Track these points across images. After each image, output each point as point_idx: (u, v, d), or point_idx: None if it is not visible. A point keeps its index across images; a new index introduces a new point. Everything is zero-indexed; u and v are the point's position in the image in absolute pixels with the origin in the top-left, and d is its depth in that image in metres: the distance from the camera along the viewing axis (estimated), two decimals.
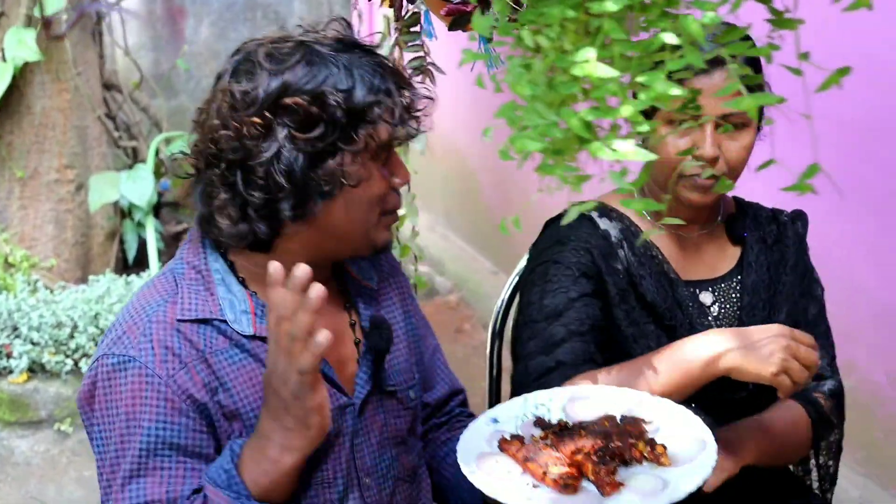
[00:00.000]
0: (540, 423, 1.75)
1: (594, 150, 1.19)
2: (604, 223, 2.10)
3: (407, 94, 1.67)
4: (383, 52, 2.60)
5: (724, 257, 2.17)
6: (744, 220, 2.19)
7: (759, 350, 1.82)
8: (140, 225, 4.62)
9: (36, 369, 3.98)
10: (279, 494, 1.58)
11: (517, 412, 1.78)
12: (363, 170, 1.62)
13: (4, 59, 3.82)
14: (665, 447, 1.64)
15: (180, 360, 1.60)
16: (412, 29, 2.50)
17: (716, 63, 1.92)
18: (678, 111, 1.22)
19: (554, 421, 1.75)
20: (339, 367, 1.75)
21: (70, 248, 4.41)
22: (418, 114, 1.70)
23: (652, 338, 2.06)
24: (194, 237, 1.72)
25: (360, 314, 1.81)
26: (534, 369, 2.02)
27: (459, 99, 5.72)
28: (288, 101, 1.56)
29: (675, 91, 1.14)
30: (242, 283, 1.69)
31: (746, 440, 2.02)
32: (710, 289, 2.13)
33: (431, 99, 1.74)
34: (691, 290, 2.11)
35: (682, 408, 1.76)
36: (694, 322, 2.07)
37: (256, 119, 1.56)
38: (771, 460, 2.08)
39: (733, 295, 2.14)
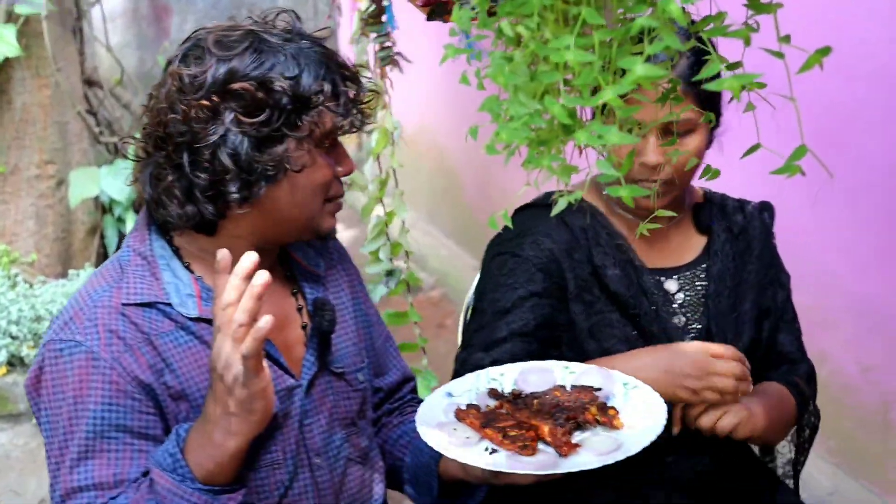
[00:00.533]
0: (494, 394, 1.82)
1: (579, 138, 1.23)
2: (569, 215, 2.12)
3: (352, 85, 1.71)
4: (360, 46, 2.65)
5: (690, 246, 2.20)
6: (710, 210, 2.22)
7: (674, 375, 1.93)
8: (120, 220, 4.63)
9: (15, 363, 3.99)
10: (224, 477, 1.61)
11: (470, 386, 1.84)
12: (307, 156, 1.67)
13: None
14: (617, 410, 1.73)
15: (125, 342, 1.64)
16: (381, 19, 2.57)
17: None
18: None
19: (507, 392, 1.82)
20: (287, 350, 1.79)
21: (51, 243, 4.43)
22: (363, 105, 1.75)
23: (617, 327, 2.09)
24: (141, 224, 1.76)
25: (306, 299, 1.86)
26: (471, 363, 2.07)
27: (441, 96, 5.76)
28: (235, 86, 1.60)
29: (658, 72, 1.18)
30: (188, 267, 1.73)
31: (763, 405, 2.06)
32: (675, 277, 2.16)
33: (377, 92, 1.81)
34: (657, 277, 2.14)
35: (631, 378, 1.84)
36: (659, 310, 2.10)
37: (204, 102, 1.61)
38: (771, 434, 2.11)
39: (698, 283, 2.17)
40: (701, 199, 2.25)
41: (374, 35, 2.73)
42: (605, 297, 2.10)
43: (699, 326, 2.14)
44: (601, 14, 1.19)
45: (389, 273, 3.10)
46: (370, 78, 1.85)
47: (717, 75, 1.30)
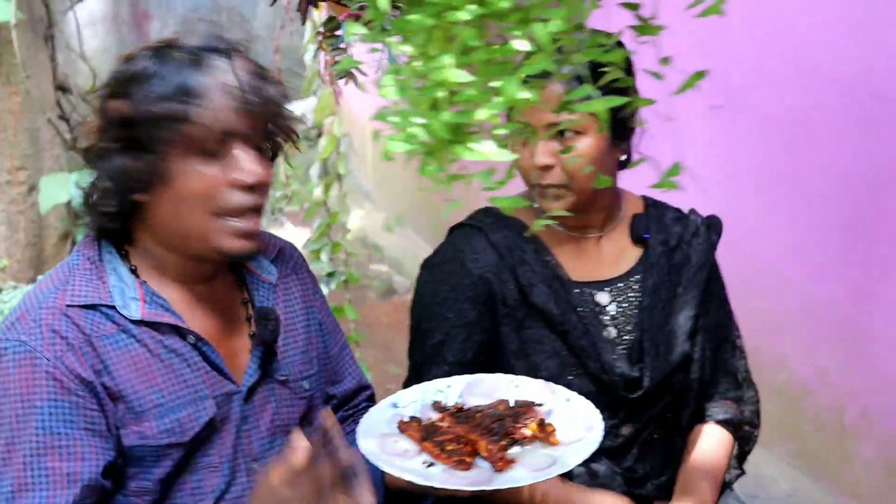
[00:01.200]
0: (437, 406, 1.84)
1: (458, 152, 1.26)
2: (495, 234, 2.15)
3: (256, 94, 1.71)
4: (309, 55, 2.68)
5: (623, 258, 2.20)
6: (647, 221, 2.22)
7: None
8: None
9: None
10: None
11: (416, 398, 1.87)
12: (179, 166, 1.68)
13: None
14: (554, 427, 1.73)
15: (67, 342, 1.68)
16: (336, 33, 2.58)
17: (548, 74, 1.99)
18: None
19: (451, 405, 1.85)
20: (232, 357, 1.83)
21: (22, 249, 4.45)
22: (279, 117, 1.77)
23: (547, 343, 2.11)
24: (92, 231, 1.81)
25: (255, 307, 1.89)
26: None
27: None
28: (112, 101, 1.70)
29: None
30: (133, 271, 1.77)
31: (704, 487, 2.13)
32: (607, 289, 2.16)
33: (278, 104, 1.78)
34: (587, 290, 2.15)
35: (574, 394, 1.85)
36: (588, 324, 2.11)
37: (95, 120, 1.73)
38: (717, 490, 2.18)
39: (632, 295, 2.17)
40: (641, 210, 2.26)
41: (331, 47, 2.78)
42: (534, 314, 2.11)
43: (631, 339, 2.15)
44: (480, 35, 1.22)
45: (330, 274, 3.20)
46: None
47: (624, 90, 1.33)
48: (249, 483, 1.82)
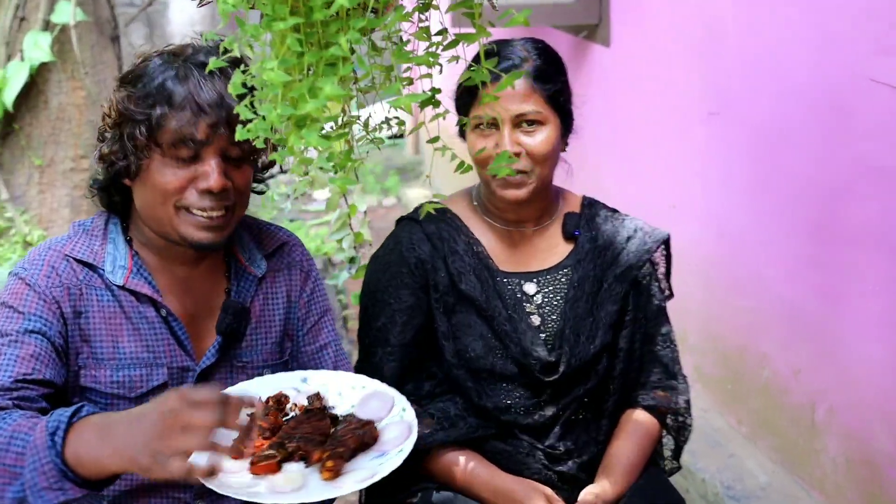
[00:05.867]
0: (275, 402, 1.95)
1: (291, 139, 1.50)
2: (429, 225, 2.36)
3: (213, 109, 1.93)
4: None
5: (554, 252, 2.39)
6: (578, 219, 2.40)
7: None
8: None
9: None
10: (86, 472, 1.69)
11: (277, 386, 2.00)
12: (149, 162, 1.97)
13: (22, 59, 4.23)
14: (334, 462, 1.77)
15: (60, 280, 2.00)
16: None
17: (505, 72, 2.20)
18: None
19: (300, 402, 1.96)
20: (200, 338, 2.10)
21: None
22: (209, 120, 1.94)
23: (474, 327, 2.32)
24: (100, 204, 2.13)
25: (233, 297, 2.14)
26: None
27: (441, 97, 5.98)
28: (115, 92, 2.01)
29: (340, 92, 1.44)
30: (129, 242, 2.09)
31: (619, 469, 2.30)
32: (534, 280, 2.36)
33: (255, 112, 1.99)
34: (515, 280, 2.35)
35: (408, 403, 1.94)
36: (512, 311, 2.31)
37: (105, 105, 2.04)
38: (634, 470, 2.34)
39: (559, 287, 2.35)
40: (576, 208, 2.43)
41: None
42: (463, 300, 2.32)
43: (554, 327, 2.33)
44: (304, 42, 1.46)
45: (351, 260, 3.45)
46: None
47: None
48: None
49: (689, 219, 3.87)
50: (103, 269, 2.04)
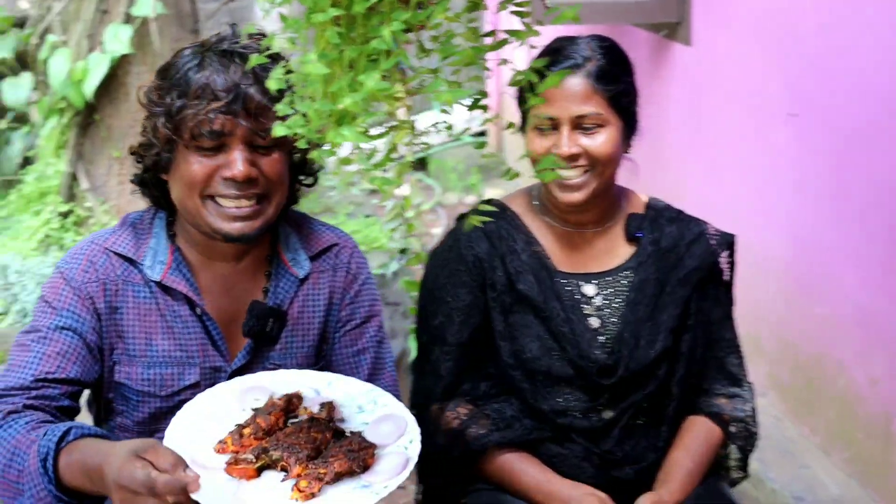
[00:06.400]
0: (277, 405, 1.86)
1: (331, 137, 1.48)
2: (489, 224, 2.30)
3: (232, 98, 1.90)
4: None
5: (616, 254, 2.32)
6: (641, 221, 2.33)
7: None
8: None
9: None
10: (77, 493, 1.74)
11: (296, 385, 1.92)
12: (178, 155, 1.96)
13: (104, 51, 4.31)
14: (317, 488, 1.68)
15: (97, 275, 2.00)
16: None
17: (570, 69, 2.15)
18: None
19: (316, 405, 1.88)
20: (235, 337, 2.07)
21: None
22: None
23: (531, 327, 2.26)
24: (146, 197, 2.12)
25: (251, 302, 2.08)
26: (422, 391, 2.32)
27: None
28: (150, 86, 2.00)
29: (384, 86, 1.41)
30: (172, 238, 2.06)
31: (678, 477, 2.22)
32: (594, 281, 2.30)
33: (267, 106, 1.91)
34: (574, 281, 2.29)
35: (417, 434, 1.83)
36: (570, 312, 2.26)
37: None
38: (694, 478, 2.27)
39: (620, 289, 2.29)
40: (640, 210, 2.36)
41: None
42: (520, 300, 2.27)
43: (613, 330, 2.27)
44: (346, 36, 1.44)
45: (402, 251, 3.45)
46: None
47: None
48: None
49: (766, 222, 3.79)
50: (143, 265, 2.02)
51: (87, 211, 4.56)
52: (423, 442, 1.85)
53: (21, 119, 4.74)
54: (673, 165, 4.47)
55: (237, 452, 1.71)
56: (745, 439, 2.38)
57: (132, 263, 2.02)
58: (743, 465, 2.41)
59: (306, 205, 4.89)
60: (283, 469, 1.69)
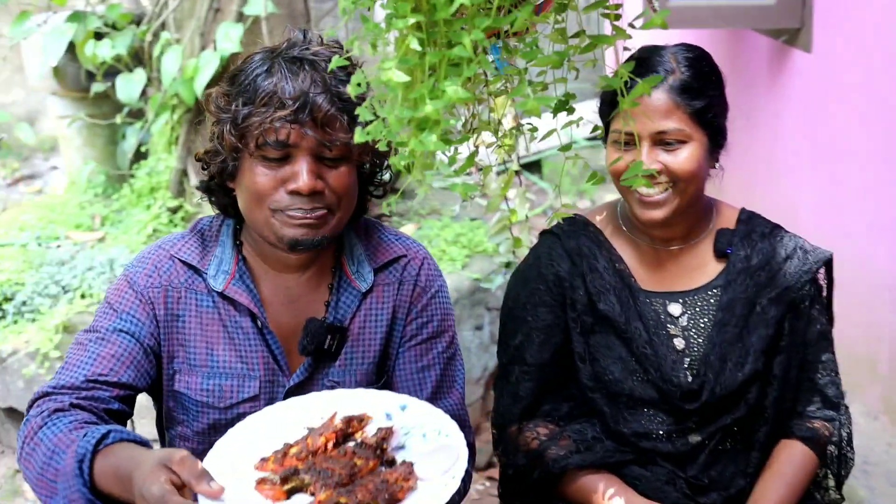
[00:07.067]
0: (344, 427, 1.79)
1: (411, 143, 1.43)
2: (570, 240, 2.25)
3: (300, 107, 1.84)
4: None
5: (703, 271, 2.23)
6: (732, 237, 2.23)
7: None
8: None
9: None
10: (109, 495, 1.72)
11: (365, 406, 1.84)
12: (243, 164, 1.92)
13: (215, 49, 4.34)
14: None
15: (160, 280, 1.99)
16: None
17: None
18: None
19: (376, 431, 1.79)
20: (295, 352, 2.02)
21: None
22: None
23: (613, 348, 2.19)
24: (214, 205, 2.10)
25: (307, 319, 2.03)
26: (502, 412, 2.27)
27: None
28: (213, 104, 1.96)
29: (464, 95, 1.36)
30: (238, 247, 2.04)
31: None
32: (680, 300, 2.21)
33: (336, 117, 1.85)
34: (659, 300, 2.21)
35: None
36: (652, 333, 2.17)
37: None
38: None
39: (707, 308, 2.20)
40: (731, 224, 2.27)
41: None
42: (602, 320, 2.20)
43: (699, 351, 2.19)
44: (425, 43, 1.38)
45: (507, 265, 3.36)
46: None
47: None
48: None
49: (883, 239, 3.61)
50: (206, 273, 2.00)
51: (195, 207, 4.60)
52: (502, 463, 1.79)
53: (136, 115, 4.80)
54: (787, 180, 4.31)
55: (276, 471, 1.66)
56: (839, 464, 2.29)
57: (196, 272, 2.01)
58: (839, 486, 2.32)
59: (412, 207, 4.86)
60: (312, 493, 1.64)
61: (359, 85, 1.44)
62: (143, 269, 2.00)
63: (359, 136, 1.45)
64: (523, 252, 3.54)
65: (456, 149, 1.50)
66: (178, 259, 2.02)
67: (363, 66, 1.60)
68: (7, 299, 4.13)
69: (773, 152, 4.35)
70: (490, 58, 2.71)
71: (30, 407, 1.88)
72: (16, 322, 4.08)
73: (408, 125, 1.42)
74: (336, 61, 1.53)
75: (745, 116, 4.15)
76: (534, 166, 6.99)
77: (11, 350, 3.96)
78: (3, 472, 4.12)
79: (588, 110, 1.78)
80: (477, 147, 1.46)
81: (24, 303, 4.10)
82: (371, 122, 1.44)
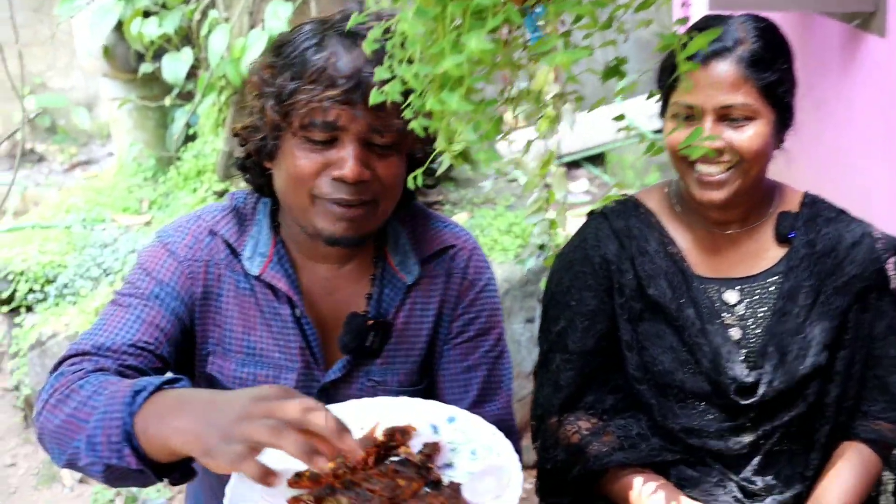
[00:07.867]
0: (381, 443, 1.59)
1: (430, 104, 1.29)
2: (619, 221, 2.10)
3: (351, 85, 1.66)
4: None
5: (763, 257, 2.08)
6: (794, 220, 2.08)
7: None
8: None
9: None
10: (148, 445, 1.48)
11: (407, 415, 1.65)
12: (284, 143, 1.74)
13: (263, 28, 4.24)
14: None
15: (202, 254, 1.84)
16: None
17: (714, 55, 1.89)
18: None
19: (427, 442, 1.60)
20: (332, 346, 1.86)
21: None
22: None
23: (663, 337, 2.05)
24: (249, 183, 1.94)
25: (348, 314, 1.87)
26: (542, 401, 2.13)
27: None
28: (255, 76, 1.77)
29: (487, 46, 1.22)
30: (276, 228, 1.88)
31: None
32: (737, 287, 2.06)
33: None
34: (714, 287, 2.06)
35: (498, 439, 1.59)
36: (706, 321, 2.02)
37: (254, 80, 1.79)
38: None
39: (766, 297, 2.05)
40: (794, 208, 2.11)
41: None
42: (652, 307, 2.06)
43: (757, 342, 2.04)
44: None
45: (541, 247, 3.23)
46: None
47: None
48: None
49: None
50: (242, 255, 1.84)
51: (236, 186, 4.51)
52: (540, 456, 1.65)
53: (186, 97, 4.72)
54: (859, 168, 4.11)
55: (311, 489, 1.46)
56: None
57: (233, 251, 1.86)
58: None
59: (466, 195, 4.72)
60: None
61: (376, 41, 1.29)
62: (182, 238, 1.85)
63: (375, 97, 1.32)
64: (560, 235, 3.41)
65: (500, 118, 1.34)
66: (219, 235, 1.86)
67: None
68: (49, 281, 4.06)
69: (845, 140, 4.16)
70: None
71: (60, 363, 1.68)
72: (57, 304, 4.01)
73: (429, 84, 1.27)
74: (356, 18, 1.38)
75: (815, 105, 3.97)
76: (597, 159, 6.81)
77: (51, 333, 3.89)
78: (42, 458, 4.06)
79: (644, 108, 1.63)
80: (502, 116, 1.31)
81: (65, 285, 4.04)
82: (388, 80, 1.30)
